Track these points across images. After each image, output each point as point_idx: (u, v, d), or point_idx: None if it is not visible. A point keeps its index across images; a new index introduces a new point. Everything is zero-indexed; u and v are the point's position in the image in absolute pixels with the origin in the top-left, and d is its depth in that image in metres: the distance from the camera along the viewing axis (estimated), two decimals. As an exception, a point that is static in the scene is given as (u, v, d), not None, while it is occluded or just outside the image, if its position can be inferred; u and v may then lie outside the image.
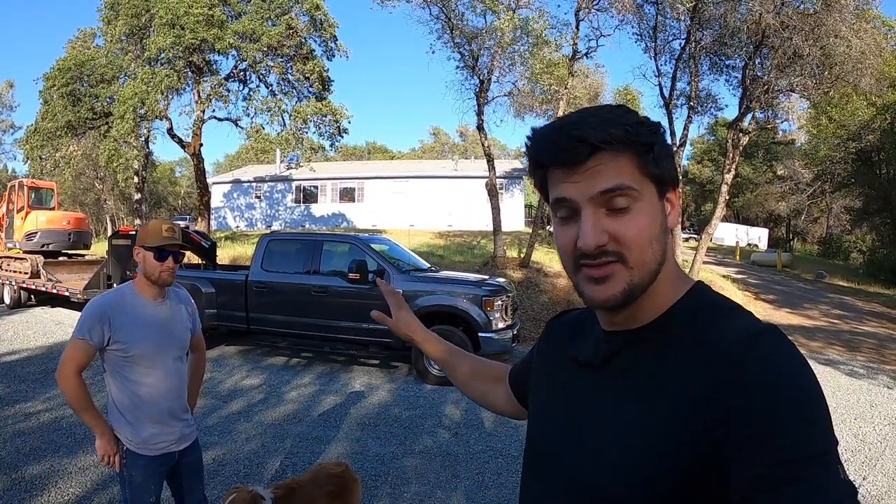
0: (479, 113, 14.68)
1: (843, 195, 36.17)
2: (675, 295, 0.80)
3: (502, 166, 28.49)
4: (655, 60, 15.84)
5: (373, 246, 7.79)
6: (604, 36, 15.16)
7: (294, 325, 7.64)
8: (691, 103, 15.74)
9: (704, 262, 17.38)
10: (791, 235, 50.19)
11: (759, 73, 14.87)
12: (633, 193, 0.75)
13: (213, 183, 34.63)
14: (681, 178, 16.34)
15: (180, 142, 21.52)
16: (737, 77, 15.70)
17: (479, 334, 6.91)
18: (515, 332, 7.29)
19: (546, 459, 0.88)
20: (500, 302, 7.04)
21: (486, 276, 8.31)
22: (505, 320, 7.10)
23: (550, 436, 0.88)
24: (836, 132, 25.90)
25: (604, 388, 0.81)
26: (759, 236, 44.51)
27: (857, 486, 3.83)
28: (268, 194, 34.82)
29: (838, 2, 12.39)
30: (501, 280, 8.21)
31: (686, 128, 15.90)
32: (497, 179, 14.91)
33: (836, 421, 5.73)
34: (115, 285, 9.67)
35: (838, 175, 31.20)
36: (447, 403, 6.14)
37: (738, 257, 30.43)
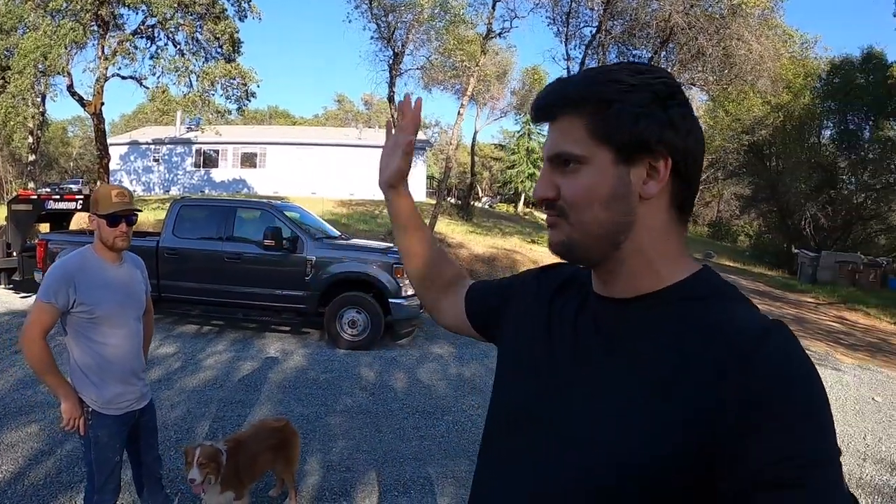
0: (391, 84, 14.83)
1: (734, 183, 38.15)
2: (675, 274, 0.78)
3: (406, 137, 28.63)
4: (566, 45, 16.52)
5: (285, 213, 7.86)
6: (518, 18, 15.70)
7: (207, 292, 7.60)
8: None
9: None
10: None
11: (663, 66, 15.90)
12: (578, 158, 0.76)
13: (109, 144, 32.33)
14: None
15: (80, 100, 19.88)
16: (642, 68, 16.64)
17: (390, 300, 7.22)
18: (423, 299, 7.62)
19: (526, 426, 0.83)
20: (409, 270, 7.35)
21: (392, 245, 8.57)
22: (413, 287, 7.43)
23: (531, 400, 0.84)
24: (731, 125, 27.23)
25: (594, 361, 0.79)
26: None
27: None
28: (167, 157, 32.89)
29: (743, 8, 13.37)
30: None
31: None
32: (400, 150, 15.07)
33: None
34: (13, 253, 9.20)
35: (730, 164, 33.17)
36: (361, 366, 6.47)
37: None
